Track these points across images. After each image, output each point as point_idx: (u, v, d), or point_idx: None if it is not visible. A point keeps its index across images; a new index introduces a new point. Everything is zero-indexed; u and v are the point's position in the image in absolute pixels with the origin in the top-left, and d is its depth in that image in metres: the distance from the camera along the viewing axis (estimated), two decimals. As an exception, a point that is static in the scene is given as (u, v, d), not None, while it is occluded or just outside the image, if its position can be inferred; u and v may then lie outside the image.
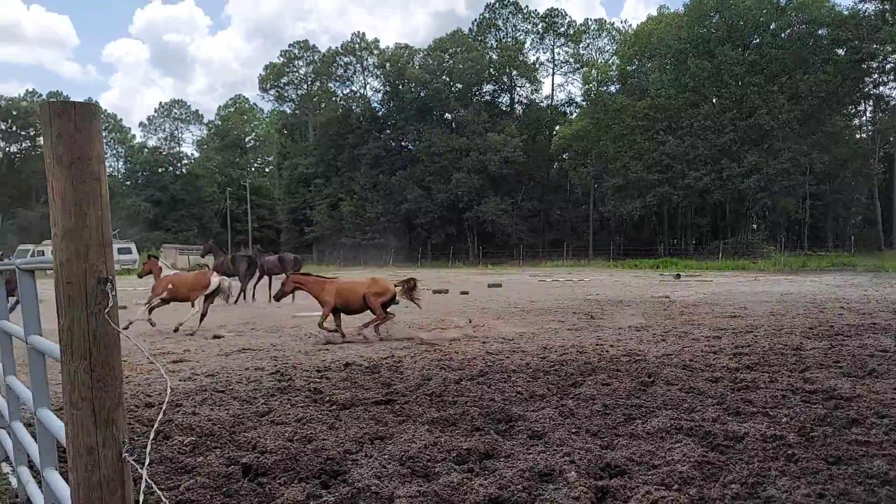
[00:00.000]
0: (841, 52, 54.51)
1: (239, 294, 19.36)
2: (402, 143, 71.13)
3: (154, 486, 1.59)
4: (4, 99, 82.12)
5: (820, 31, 54.71)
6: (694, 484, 3.48)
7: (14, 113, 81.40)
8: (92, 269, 1.59)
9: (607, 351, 8.07)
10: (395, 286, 10.15)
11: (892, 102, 59.97)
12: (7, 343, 3.55)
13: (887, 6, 51.64)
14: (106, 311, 1.59)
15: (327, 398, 5.64)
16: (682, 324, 10.94)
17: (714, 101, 56.31)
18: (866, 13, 53.09)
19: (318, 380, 6.57)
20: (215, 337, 10.27)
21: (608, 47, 70.88)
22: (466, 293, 19.88)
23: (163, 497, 1.66)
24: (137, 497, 1.60)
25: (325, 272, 15.90)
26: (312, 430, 4.59)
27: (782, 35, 55.10)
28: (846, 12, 54.04)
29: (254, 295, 19.21)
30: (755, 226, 58.90)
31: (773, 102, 52.14)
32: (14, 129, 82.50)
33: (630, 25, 71.13)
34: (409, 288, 10.13)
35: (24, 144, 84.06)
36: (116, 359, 1.65)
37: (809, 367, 6.66)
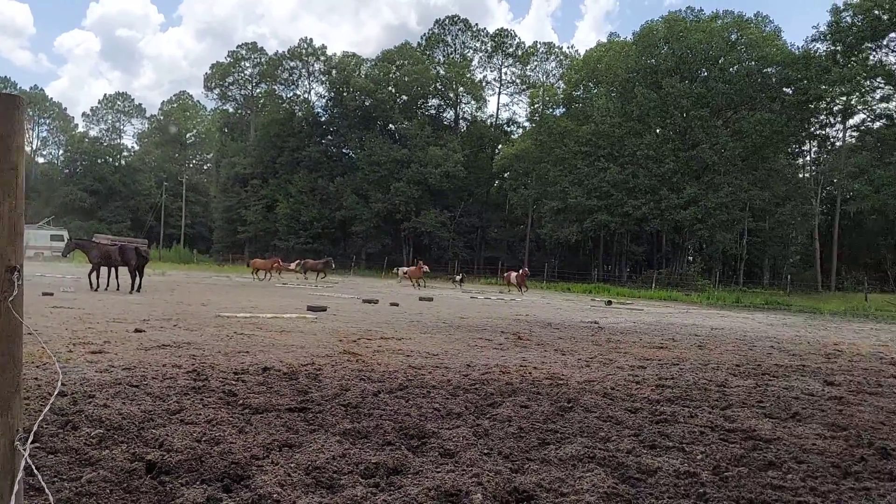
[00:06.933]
0: (789, 91, 54.37)
1: (133, 284, 19.16)
2: (344, 151, 70.77)
3: (41, 478, 1.61)
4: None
5: (769, 69, 54.25)
6: (600, 515, 3.49)
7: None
8: (1, 259, 1.61)
9: (530, 373, 8.01)
10: None
11: (838, 144, 60.04)
12: None
13: (838, 48, 51.42)
14: (10, 299, 1.61)
15: (241, 401, 5.59)
16: (608, 351, 10.82)
17: (658, 131, 56.12)
18: (817, 53, 52.74)
19: (233, 382, 6.48)
20: (136, 331, 9.98)
21: (555, 71, 71.81)
22: (396, 305, 19.86)
23: (48, 491, 1.68)
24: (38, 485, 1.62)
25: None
26: (221, 432, 4.55)
27: (731, 70, 54.72)
28: (797, 52, 53.89)
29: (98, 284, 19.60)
30: (691, 258, 59.25)
31: (716, 136, 52.18)
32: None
33: (577, 51, 72.32)
34: None
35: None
36: (18, 347, 1.66)
37: (732, 404, 6.57)
